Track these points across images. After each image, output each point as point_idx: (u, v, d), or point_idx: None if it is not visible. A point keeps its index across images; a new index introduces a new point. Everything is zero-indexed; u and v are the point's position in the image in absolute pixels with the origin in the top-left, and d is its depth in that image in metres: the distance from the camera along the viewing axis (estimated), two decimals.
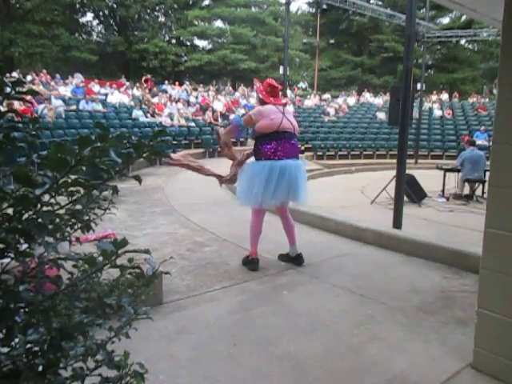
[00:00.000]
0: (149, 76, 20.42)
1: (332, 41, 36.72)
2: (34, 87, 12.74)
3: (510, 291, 2.15)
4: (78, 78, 17.32)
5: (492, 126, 2.45)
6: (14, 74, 15.35)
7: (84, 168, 0.88)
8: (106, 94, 15.20)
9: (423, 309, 3.02)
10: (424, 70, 19.22)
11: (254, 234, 3.84)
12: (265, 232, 4.45)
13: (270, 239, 4.28)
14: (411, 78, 5.19)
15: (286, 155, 3.63)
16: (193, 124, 15.18)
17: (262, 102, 3.79)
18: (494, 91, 26.32)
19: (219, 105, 17.60)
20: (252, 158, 3.88)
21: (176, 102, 16.52)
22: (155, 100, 16.25)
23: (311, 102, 21.51)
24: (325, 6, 14.77)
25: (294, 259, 3.92)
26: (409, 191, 7.74)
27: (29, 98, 8.46)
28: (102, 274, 0.99)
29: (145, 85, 18.41)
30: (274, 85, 3.82)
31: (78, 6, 28.70)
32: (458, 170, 8.95)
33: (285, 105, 3.87)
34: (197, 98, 18.33)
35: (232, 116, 3.84)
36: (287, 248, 3.99)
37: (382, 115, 19.40)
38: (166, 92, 18.33)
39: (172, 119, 14.65)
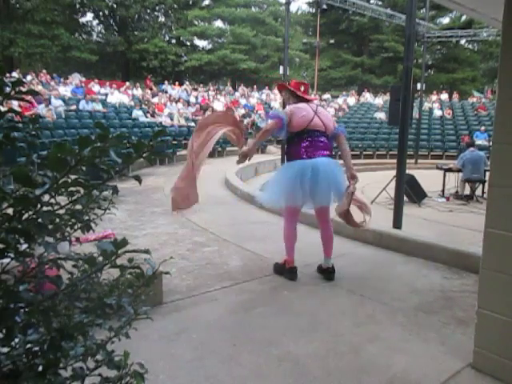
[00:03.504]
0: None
1: (332, 41, 36.71)
2: (33, 87, 12.75)
3: (510, 291, 2.14)
4: (75, 78, 17.31)
5: (492, 126, 2.44)
6: (14, 74, 15.35)
7: (84, 168, 0.88)
8: (106, 94, 15.21)
9: (423, 309, 3.02)
10: (424, 70, 19.21)
11: (290, 240, 3.63)
12: (267, 232, 4.46)
13: (271, 239, 4.28)
14: (411, 78, 5.18)
15: (317, 153, 3.50)
16: (193, 124, 15.17)
17: (294, 96, 3.67)
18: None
19: (219, 105, 17.60)
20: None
21: (176, 102, 16.53)
22: (155, 100, 16.26)
23: None
24: (325, 6, 14.77)
25: (323, 272, 3.67)
26: (409, 191, 7.74)
27: (28, 97, 8.46)
28: (102, 273, 0.99)
29: (149, 90, 18.39)
30: (304, 83, 3.83)
31: (78, 5, 28.73)
32: (459, 170, 8.95)
33: (313, 101, 3.77)
34: (197, 98, 18.34)
35: (270, 112, 3.67)
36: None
37: (381, 115, 19.40)
38: (166, 92, 18.34)
39: (172, 119, 14.65)
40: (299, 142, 3.51)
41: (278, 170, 3.78)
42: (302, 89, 3.69)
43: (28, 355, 0.90)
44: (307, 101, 3.65)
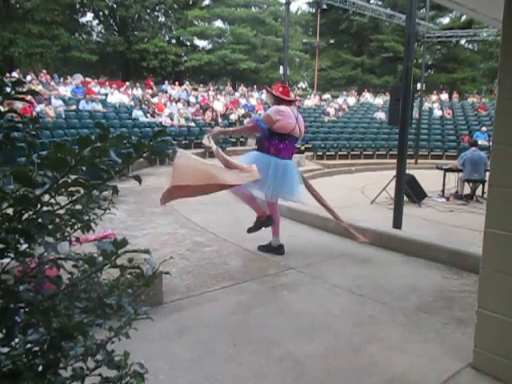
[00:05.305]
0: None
1: (332, 41, 36.70)
2: (34, 87, 12.75)
3: (510, 291, 2.14)
4: (77, 79, 17.30)
5: (492, 126, 2.44)
6: (14, 74, 15.34)
7: (84, 168, 0.88)
8: (106, 94, 15.20)
9: (423, 309, 3.02)
10: (424, 70, 19.21)
11: (252, 202, 4.23)
12: (267, 232, 4.46)
13: (269, 239, 4.28)
14: (411, 78, 5.18)
15: (287, 156, 4.03)
16: (193, 124, 15.17)
17: (278, 100, 4.07)
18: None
19: (219, 105, 17.59)
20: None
21: (176, 102, 16.51)
22: (155, 100, 16.24)
23: (311, 101, 21.50)
24: (325, 6, 14.79)
25: (275, 249, 4.18)
26: (409, 191, 7.73)
27: (28, 97, 8.46)
28: (102, 273, 0.99)
29: (148, 90, 18.37)
30: (284, 85, 4.31)
31: (78, 5, 28.67)
32: (459, 170, 8.95)
33: (295, 102, 4.32)
34: (197, 98, 18.33)
35: (252, 116, 4.23)
36: (292, 247, 4.05)
37: (381, 115, 19.39)
38: (166, 92, 18.32)
39: (172, 119, 14.64)
40: (279, 142, 3.96)
41: (252, 154, 4.14)
42: (281, 90, 4.10)
43: (28, 355, 0.90)
44: (288, 102, 4.07)
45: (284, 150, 3.97)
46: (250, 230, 4.27)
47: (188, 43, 31.98)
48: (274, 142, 3.94)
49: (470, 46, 35.71)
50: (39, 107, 10.92)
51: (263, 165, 3.89)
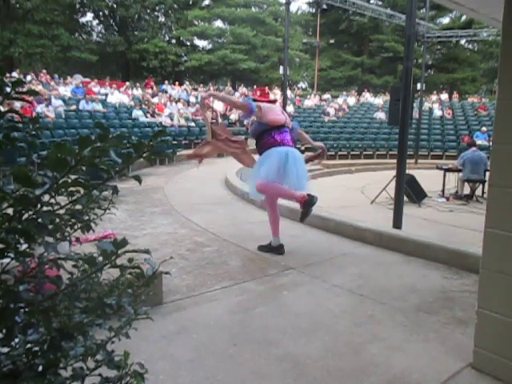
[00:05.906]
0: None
1: (332, 41, 36.73)
2: (34, 87, 12.75)
3: (510, 291, 2.14)
4: (77, 80, 17.31)
5: (492, 126, 2.44)
6: (14, 74, 15.36)
7: (84, 168, 0.88)
8: (106, 94, 15.21)
9: (423, 309, 3.02)
10: (424, 70, 19.22)
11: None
12: (267, 232, 4.46)
13: (271, 238, 4.28)
14: (411, 78, 5.18)
15: (291, 144, 4.21)
16: (193, 124, 15.18)
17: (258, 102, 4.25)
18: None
19: (219, 105, 17.59)
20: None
21: (176, 102, 16.52)
22: (155, 100, 16.25)
23: (311, 101, 21.52)
24: (325, 6, 14.81)
25: (275, 249, 4.18)
26: (409, 191, 7.74)
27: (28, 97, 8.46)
28: (102, 273, 0.99)
29: (148, 90, 18.38)
30: (261, 89, 4.69)
31: (78, 5, 28.72)
32: (459, 170, 8.96)
33: (275, 102, 4.52)
34: (197, 98, 18.33)
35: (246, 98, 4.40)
36: (292, 247, 4.05)
37: (381, 115, 19.40)
38: (166, 92, 18.33)
39: (172, 119, 14.65)
40: (279, 133, 4.11)
41: (264, 156, 4.15)
42: (258, 93, 4.47)
43: (28, 355, 0.90)
44: (268, 103, 4.26)
45: (288, 140, 4.15)
46: (302, 219, 4.16)
47: (188, 43, 32.01)
48: (276, 134, 4.08)
49: (470, 46, 35.75)
50: (39, 107, 10.93)
51: (280, 157, 3.96)
